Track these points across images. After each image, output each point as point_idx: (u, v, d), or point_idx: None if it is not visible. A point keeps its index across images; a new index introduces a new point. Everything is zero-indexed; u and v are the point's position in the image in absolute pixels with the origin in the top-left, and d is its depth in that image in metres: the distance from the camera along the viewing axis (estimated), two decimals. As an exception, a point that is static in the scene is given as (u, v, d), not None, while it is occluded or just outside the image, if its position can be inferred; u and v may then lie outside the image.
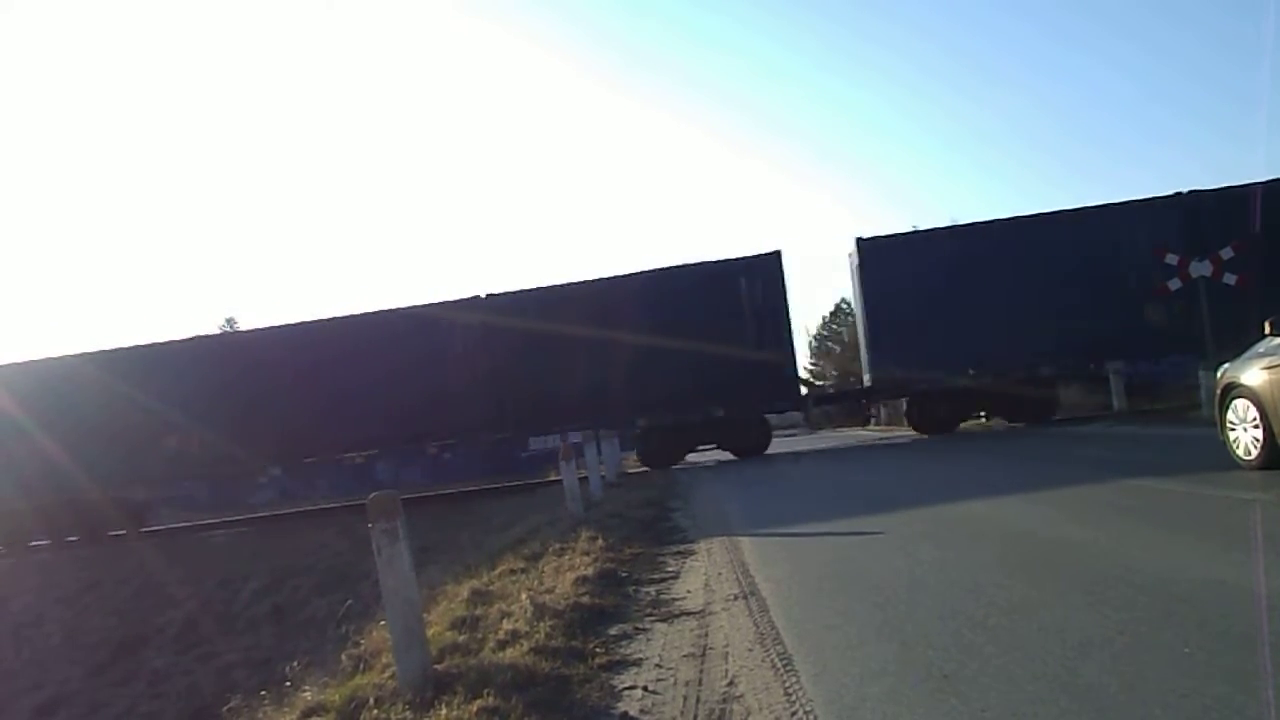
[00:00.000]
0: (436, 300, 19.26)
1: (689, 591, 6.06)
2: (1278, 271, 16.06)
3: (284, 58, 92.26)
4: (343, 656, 5.44)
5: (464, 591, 6.59)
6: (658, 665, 4.37)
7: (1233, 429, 7.90)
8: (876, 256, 18.47)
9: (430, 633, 4.86)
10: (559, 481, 12.30)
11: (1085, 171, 76.04)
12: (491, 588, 6.66)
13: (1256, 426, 7.51)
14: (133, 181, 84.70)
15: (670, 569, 7.02)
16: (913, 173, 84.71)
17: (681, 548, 7.99)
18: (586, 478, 12.63)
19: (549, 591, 6.06)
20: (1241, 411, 7.73)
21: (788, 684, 3.70)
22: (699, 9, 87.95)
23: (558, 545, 8.01)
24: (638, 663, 4.47)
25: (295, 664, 5.97)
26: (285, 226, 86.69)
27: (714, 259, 18.50)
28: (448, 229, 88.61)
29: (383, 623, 4.91)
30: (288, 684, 5.45)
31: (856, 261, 18.70)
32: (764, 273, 18.08)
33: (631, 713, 3.74)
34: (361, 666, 5.00)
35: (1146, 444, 12.46)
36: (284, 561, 16.54)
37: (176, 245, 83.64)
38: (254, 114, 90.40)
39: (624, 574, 6.84)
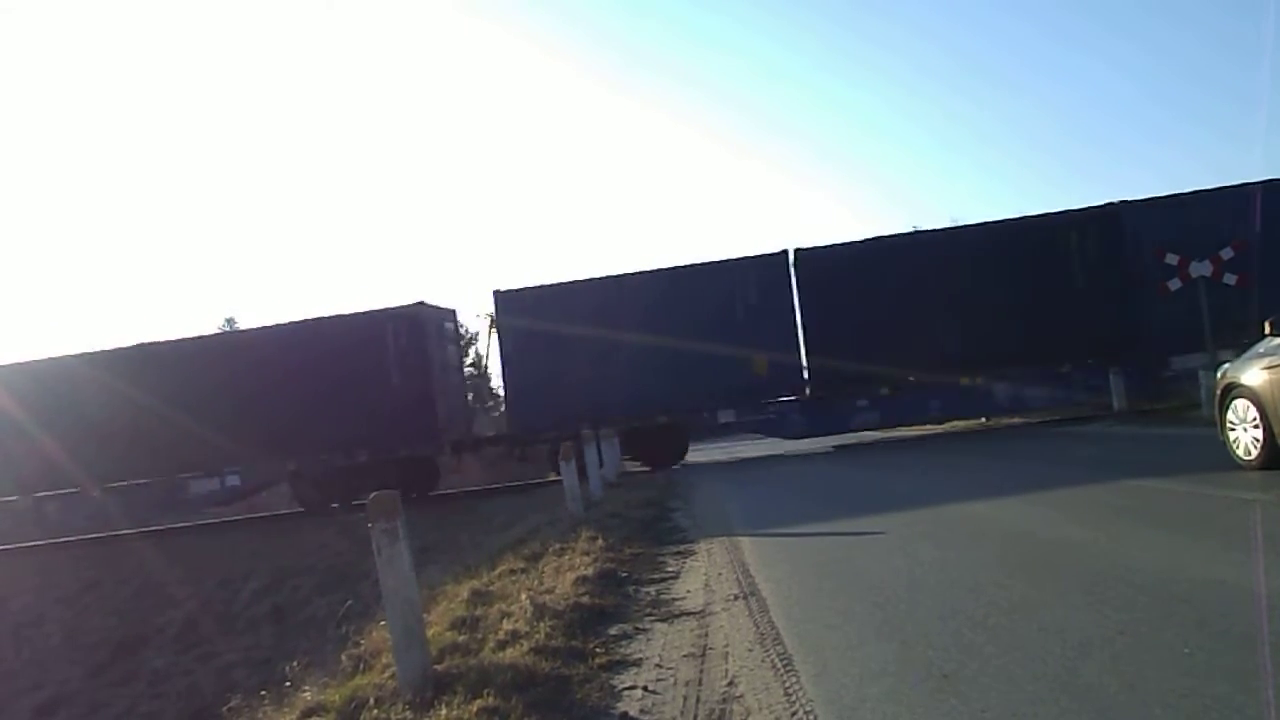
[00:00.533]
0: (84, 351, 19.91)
1: (689, 591, 6.06)
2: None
3: (284, 58, 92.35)
4: (343, 656, 5.44)
5: (464, 591, 6.59)
6: (658, 665, 4.37)
7: (1233, 429, 7.90)
8: (511, 307, 19.15)
9: (430, 633, 4.86)
10: (559, 481, 12.30)
11: (1085, 172, 75.99)
12: (491, 588, 6.66)
13: (1256, 426, 7.51)
14: (133, 181, 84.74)
15: (670, 569, 7.02)
16: (912, 173, 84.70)
17: (681, 548, 7.99)
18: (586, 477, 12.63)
19: (549, 591, 6.06)
20: (1241, 411, 7.73)
21: (788, 684, 3.70)
22: (698, 9, 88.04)
23: (558, 545, 8.01)
24: (638, 663, 4.47)
25: (295, 664, 5.97)
26: (285, 226, 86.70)
27: (361, 310, 19.43)
28: (447, 229, 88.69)
29: (383, 623, 4.91)
30: (288, 684, 5.45)
31: (493, 312, 19.68)
32: (408, 324, 18.88)
33: (631, 713, 3.74)
34: (361, 666, 5.00)
35: (1146, 444, 12.45)
36: (284, 561, 16.53)
37: (176, 245, 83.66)
38: (254, 114, 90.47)
39: (624, 574, 6.84)
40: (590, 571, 6.62)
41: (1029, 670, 3.40)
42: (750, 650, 4.34)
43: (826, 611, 4.83)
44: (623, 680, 4.19)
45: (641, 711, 3.75)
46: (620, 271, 19.41)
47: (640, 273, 19.28)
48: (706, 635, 4.81)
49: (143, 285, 78.18)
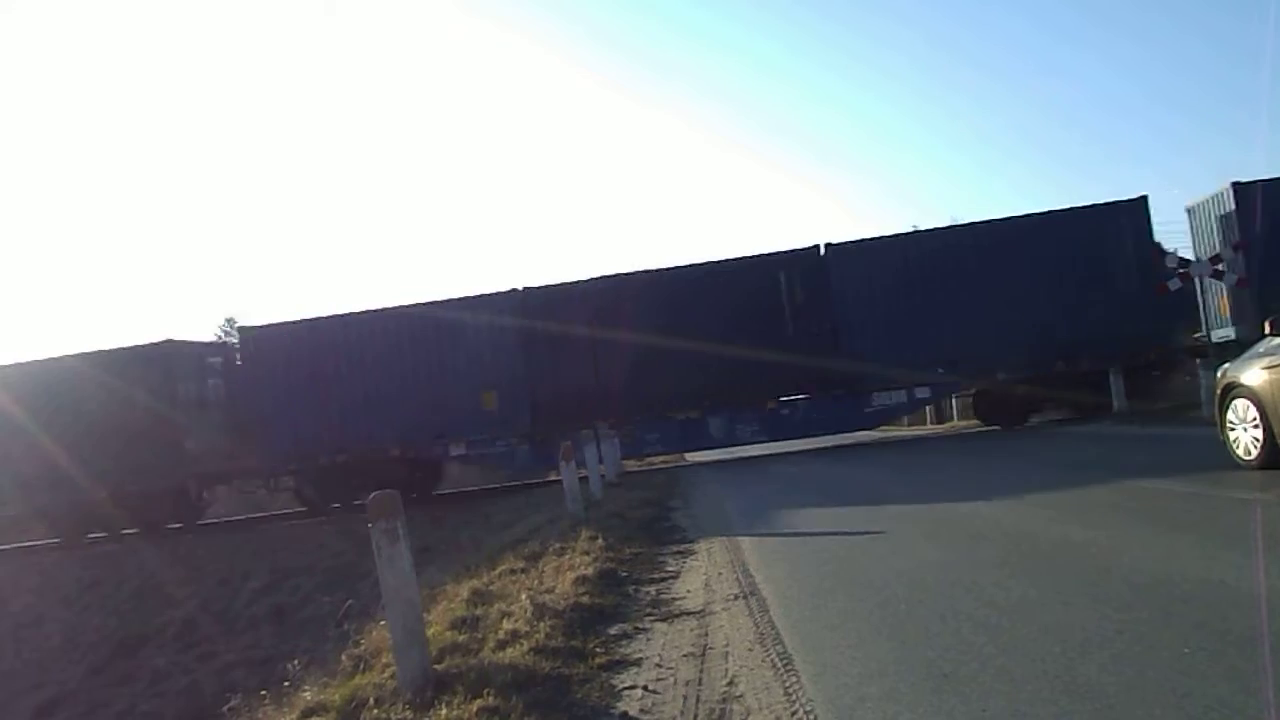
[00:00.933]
0: None
1: (689, 591, 6.06)
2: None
3: (285, 58, 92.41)
4: (343, 656, 5.44)
5: (464, 591, 6.59)
6: (658, 665, 4.37)
7: (1233, 429, 7.89)
8: (256, 345, 19.93)
9: (430, 632, 4.86)
10: (559, 481, 12.30)
11: (1086, 171, 76.12)
12: (491, 587, 6.66)
13: (1256, 426, 7.50)
14: (133, 181, 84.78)
15: (670, 569, 7.02)
16: (913, 172, 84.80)
17: (681, 547, 7.99)
18: (586, 477, 12.63)
19: (549, 591, 6.06)
20: (1241, 411, 7.72)
21: (788, 684, 3.70)
22: (699, 8, 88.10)
23: (558, 545, 8.01)
24: (638, 662, 4.47)
25: (295, 664, 5.97)
26: (285, 226, 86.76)
27: (111, 348, 20.06)
28: (448, 229, 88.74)
29: (383, 622, 4.91)
30: (287, 684, 5.45)
31: (240, 348, 20.61)
32: (156, 362, 19.52)
33: (631, 712, 3.74)
34: (361, 666, 5.00)
35: (1147, 444, 12.45)
36: (284, 561, 16.54)
37: (176, 245, 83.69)
38: (255, 114, 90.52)
39: (624, 574, 6.84)
40: (590, 571, 6.62)
41: (1029, 670, 3.40)
42: (750, 650, 4.34)
43: (826, 611, 4.83)
44: (623, 680, 4.19)
45: (641, 711, 3.74)
46: (362, 309, 20.17)
47: (382, 310, 20.02)
48: (706, 635, 4.81)
49: (143, 285, 78.22)
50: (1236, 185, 16.88)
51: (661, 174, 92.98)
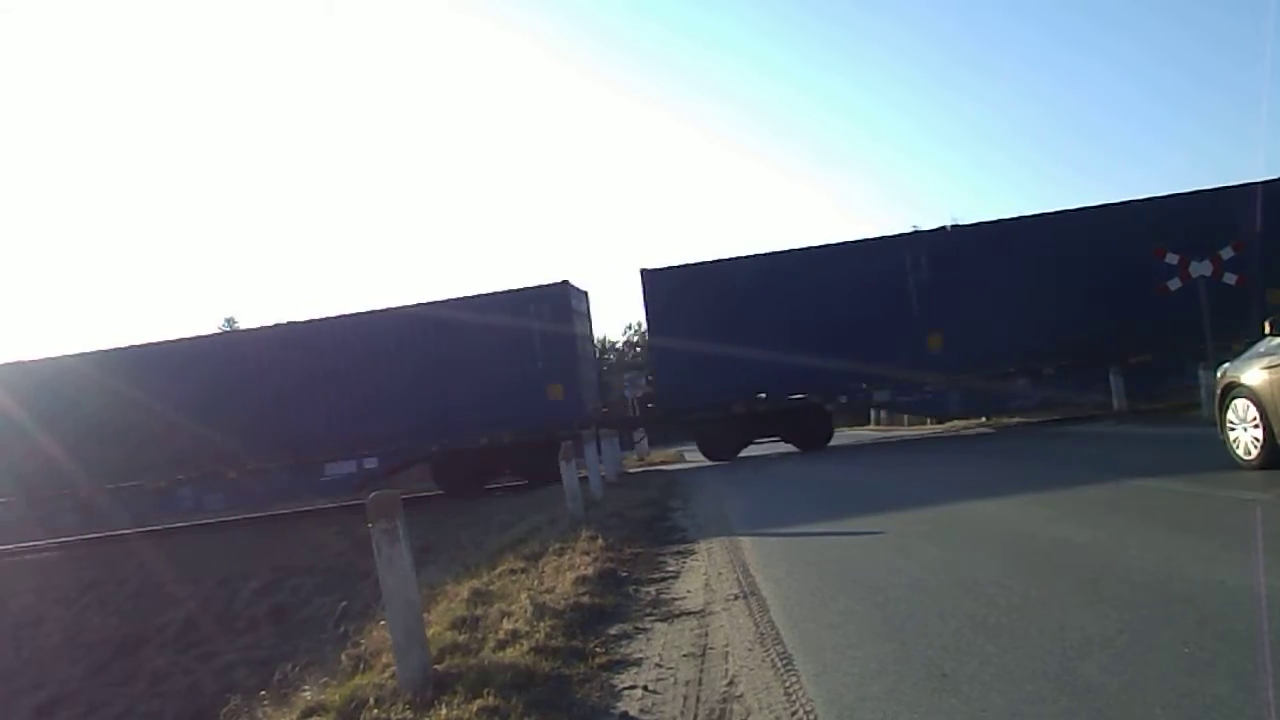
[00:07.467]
0: None
1: (689, 591, 6.06)
2: None
3: (284, 58, 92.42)
4: (342, 656, 5.44)
5: (464, 591, 6.59)
6: (658, 665, 4.37)
7: (1233, 429, 7.89)
8: None
9: (430, 633, 4.86)
10: (558, 481, 12.29)
11: (1086, 170, 76.14)
12: (491, 587, 6.66)
13: (1256, 426, 7.50)
14: (132, 181, 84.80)
15: (670, 569, 7.02)
16: (913, 172, 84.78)
17: (681, 547, 7.98)
18: (586, 477, 12.62)
19: (549, 591, 6.06)
20: (1241, 411, 7.72)
21: (788, 683, 3.69)
22: (699, 8, 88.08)
23: (558, 545, 8.00)
24: (638, 662, 4.47)
25: (294, 664, 5.97)
26: (285, 226, 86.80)
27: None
28: (448, 228, 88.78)
29: (383, 622, 4.91)
30: (284, 684, 5.44)
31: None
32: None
33: (631, 712, 3.74)
34: (361, 666, 5.00)
35: (1146, 444, 12.45)
36: (284, 561, 16.54)
37: (176, 245, 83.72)
38: (254, 114, 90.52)
39: (624, 574, 6.84)
40: (590, 571, 6.61)
41: (1029, 669, 3.40)
42: (750, 650, 4.34)
43: (826, 611, 4.83)
44: (623, 680, 4.19)
45: (641, 711, 3.74)
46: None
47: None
48: (706, 635, 4.81)
49: (143, 285, 78.23)
50: None
51: (660, 173, 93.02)
